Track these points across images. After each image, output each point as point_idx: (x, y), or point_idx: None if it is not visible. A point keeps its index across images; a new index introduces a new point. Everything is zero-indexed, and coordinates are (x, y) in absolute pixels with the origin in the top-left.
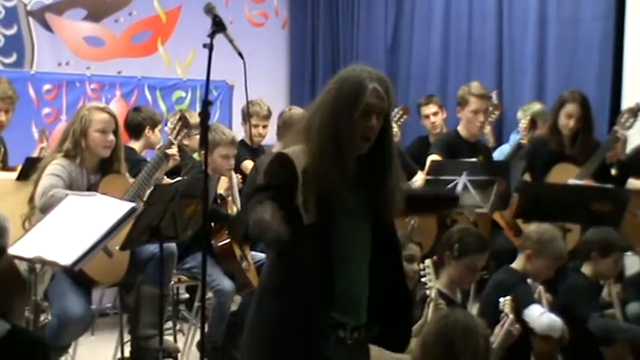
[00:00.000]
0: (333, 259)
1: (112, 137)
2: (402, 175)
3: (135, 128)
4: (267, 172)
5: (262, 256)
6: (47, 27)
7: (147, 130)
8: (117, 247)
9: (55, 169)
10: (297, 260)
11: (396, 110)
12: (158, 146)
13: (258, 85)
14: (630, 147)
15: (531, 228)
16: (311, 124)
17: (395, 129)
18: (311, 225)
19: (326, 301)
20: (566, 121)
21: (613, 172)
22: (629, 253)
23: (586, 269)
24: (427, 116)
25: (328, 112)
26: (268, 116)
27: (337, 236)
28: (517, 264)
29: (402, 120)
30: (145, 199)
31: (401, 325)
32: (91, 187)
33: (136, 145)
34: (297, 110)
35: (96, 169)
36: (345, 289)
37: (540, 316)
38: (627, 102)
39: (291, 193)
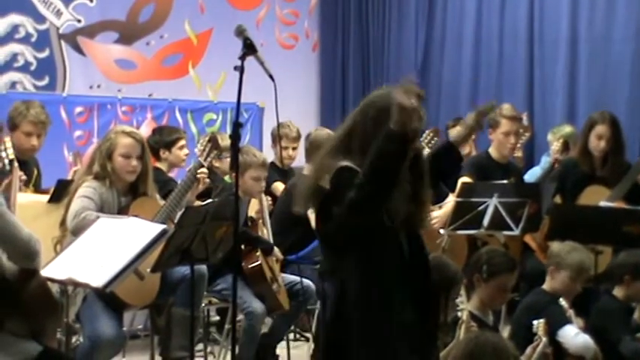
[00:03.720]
0: (406, 261)
1: (135, 162)
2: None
3: (153, 151)
4: (340, 176)
5: (293, 278)
6: (79, 50)
7: (162, 152)
8: (148, 269)
9: (86, 191)
10: (382, 261)
11: (426, 132)
12: (188, 168)
13: (289, 107)
14: None
15: (554, 245)
16: (349, 143)
17: (425, 150)
18: (390, 228)
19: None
20: (597, 142)
21: None
22: None
23: (618, 292)
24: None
25: (374, 132)
26: (298, 138)
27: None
28: (547, 285)
29: (432, 142)
30: (175, 221)
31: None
32: (122, 210)
33: (162, 165)
34: (322, 131)
35: (126, 191)
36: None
37: (575, 336)
38: None
39: None
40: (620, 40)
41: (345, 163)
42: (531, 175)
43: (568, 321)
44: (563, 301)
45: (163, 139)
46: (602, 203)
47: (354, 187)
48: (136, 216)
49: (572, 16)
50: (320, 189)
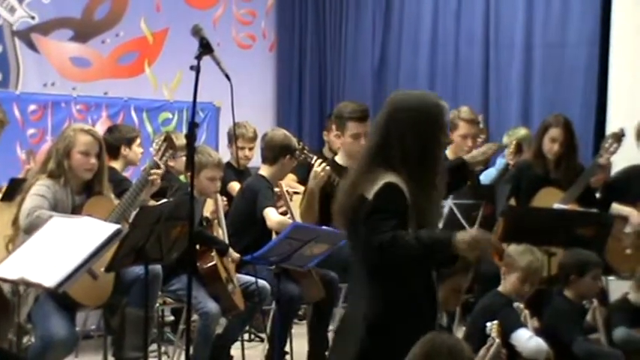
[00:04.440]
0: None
1: (94, 160)
2: None
3: (111, 149)
4: (385, 198)
5: (248, 278)
6: (33, 47)
7: (123, 149)
8: (102, 269)
9: (39, 189)
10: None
11: None
12: (143, 167)
13: (245, 108)
14: (615, 171)
15: (510, 247)
16: (387, 152)
17: None
18: None
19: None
20: (550, 145)
21: (598, 196)
22: (612, 278)
23: (568, 293)
24: None
25: (416, 137)
26: (254, 138)
27: None
28: (502, 287)
29: None
30: (130, 220)
31: None
32: (76, 209)
33: (116, 164)
34: (279, 132)
35: (80, 190)
36: None
37: (528, 340)
38: (612, 127)
39: (406, 221)
40: (574, 45)
41: (390, 178)
42: (486, 177)
43: (522, 324)
44: (518, 304)
45: (124, 136)
46: (556, 205)
47: (405, 245)
48: (89, 215)
49: (527, 21)
50: (365, 200)
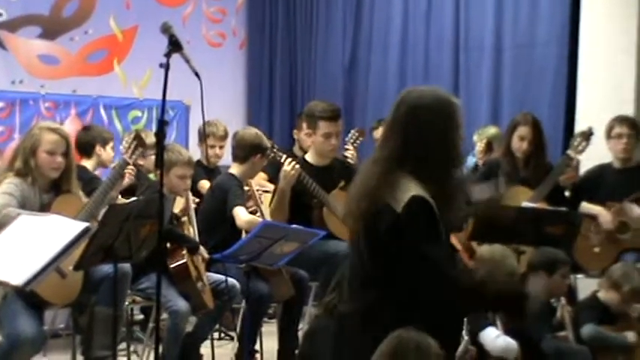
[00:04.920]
0: None
1: (60, 159)
2: None
3: (85, 147)
4: (418, 219)
5: (218, 276)
6: (0, 44)
7: (98, 148)
8: (70, 268)
9: (7, 187)
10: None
11: (352, 132)
12: (112, 165)
13: (216, 106)
14: (583, 170)
15: (483, 249)
16: (404, 154)
17: (351, 151)
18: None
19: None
20: (519, 143)
21: (567, 194)
22: (580, 276)
23: None
24: (378, 140)
25: (435, 137)
26: (225, 137)
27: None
28: None
29: (357, 142)
30: (99, 218)
31: None
32: (44, 207)
33: (88, 163)
34: (250, 130)
35: (49, 189)
36: None
37: (496, 338)
38: (580, 126)
39: (440, 233)
40: (543, 45)
41: (414, 187)
42: None
43: (489, 323)
44: None
45: (102, 135)
46: (525, 204)
47: (457, 290)
48: (58, 213)
49: (496, 23)
50: (387, 207)
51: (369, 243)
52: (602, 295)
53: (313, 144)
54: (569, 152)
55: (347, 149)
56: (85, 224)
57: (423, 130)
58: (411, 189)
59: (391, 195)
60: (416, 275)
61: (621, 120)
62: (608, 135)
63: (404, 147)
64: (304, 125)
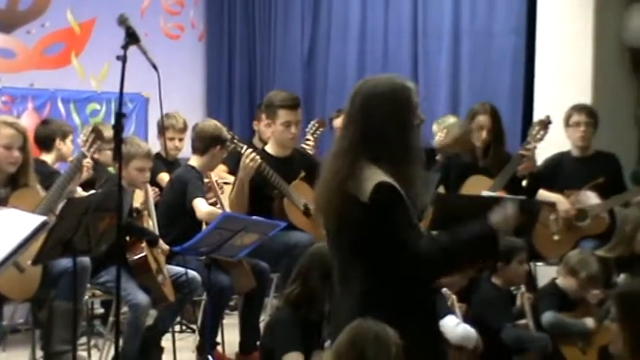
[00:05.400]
0: None
1: (17, 154)
2: None
3: (45, 141)
4: (384, 202)
5: (178, 269)
6: None
7: (57, 142)
8: (28, 262)
9: None
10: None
11: (312, 123)
12: (70, 159)
13: (175, 98)
14: (542, 159)
15: None
16: (365, 143)
17: (311, 141)
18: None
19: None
20: (478, 132)
21: (524, 183)
22: (540, 264)
23: (496, 280)
24: (339, 129)
25: (392, 123)
26: (184, 129)
27: None
28: None
29: (317, 132)
30: (57, 212)
31: None
32: (1, 201)
33: (47, 157)
34: (210, 122)
35: (5, 183)
36: None
37: (455, 326)
38: (539, 114)
39: (410, 215)
40: (501, 34)
41: (378, 175)
42: None
43: (450, 311)
44: (445, 290)
45: (61, 129)
46: (485, 193)
47: (447, 254)
48: (15, 207)
49: (454, 11)
50: (353, 198)
51: (346, 237)
52: (561, 281)
53: (273, 134)
54: (528, 141)
55: (307, 140)
56: (43, 218)
57: (379, 118)
58: (374, 176)
59: (355, 186)
60: (394, 262)
61: (579, 108)
62: (567, 123)
63: (362, 137)
64: (263, 116)
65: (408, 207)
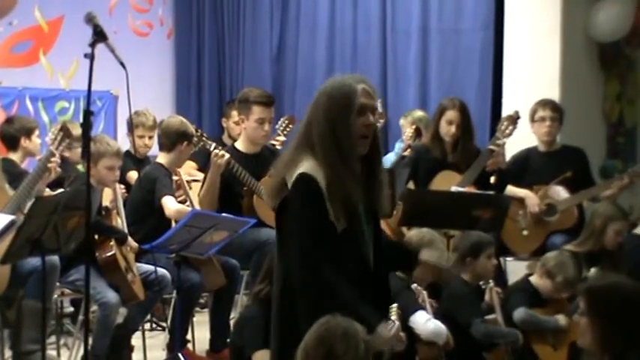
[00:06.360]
0: (367, 261)
1: None
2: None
3: (10, 140)
4: (299, 197)
5: (147, 267)
6: None
7: (22, 140)
8: None
9: None
10: (339, 268)
11: (282, 120)
12: (38, 157)
13: (144, 96)
14: (510, 154)
15: (411, 233)
16: (309, 135)
17: (281, 137)
18: (344, 231)
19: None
20: (447, 127)
21: (492, 179)
22: (510, 259)
23: (465, 276)
24: None
25: (325, 119)
26: (154, 127)
27: (362, 239)
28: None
29: (287, 129)
30: (25, 211)
31: None
32: None
33: (14, 156)
34: (175, 119)
35: None
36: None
37: (426, 322)
38: (507, 110)
39: (325, 209)
40: (469, 31)
41: (307, 164)
42: (386, 161)
43: (420, 307)
44: (416, 285)
45: (25, 127)
46: (454, 188)
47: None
48: None
49: (423, 7)
50: (285, 186)
51: (277, 222)
52: (535, 280)
53: (245, 130)
54: (497, 136)
55: (277, 136)
56: (11, 217)
57: (317, 114)
58: (302, 167)
59: (290, 174)
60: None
61: (544, 103)
62: (532, 119)
63: (307, 130)
64: (235, 112)
65: (324, 202)
